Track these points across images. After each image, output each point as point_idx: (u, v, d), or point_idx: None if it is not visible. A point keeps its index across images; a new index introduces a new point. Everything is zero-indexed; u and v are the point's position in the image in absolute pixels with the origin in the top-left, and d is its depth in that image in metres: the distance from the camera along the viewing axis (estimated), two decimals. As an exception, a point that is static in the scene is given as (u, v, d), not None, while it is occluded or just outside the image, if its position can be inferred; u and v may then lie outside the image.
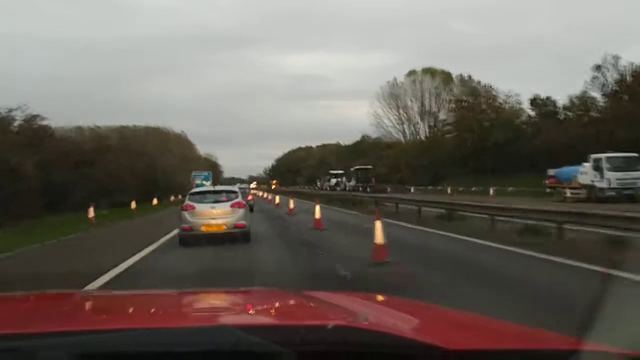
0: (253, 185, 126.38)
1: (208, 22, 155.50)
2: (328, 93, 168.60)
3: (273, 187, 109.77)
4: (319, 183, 74.64)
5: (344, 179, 61.52)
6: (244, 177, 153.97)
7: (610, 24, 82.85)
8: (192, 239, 12.52)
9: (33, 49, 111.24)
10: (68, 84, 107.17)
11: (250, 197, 26.70)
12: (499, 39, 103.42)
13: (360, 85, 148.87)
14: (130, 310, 2.09)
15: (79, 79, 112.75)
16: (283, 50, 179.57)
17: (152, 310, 2.08)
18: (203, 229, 12.65)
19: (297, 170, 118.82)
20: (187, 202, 13.29)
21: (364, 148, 78.13)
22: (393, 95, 71.20)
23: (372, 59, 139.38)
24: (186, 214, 12.88)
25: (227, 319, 1.77)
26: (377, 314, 1.88)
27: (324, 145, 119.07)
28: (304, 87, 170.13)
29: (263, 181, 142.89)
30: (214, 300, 2.39)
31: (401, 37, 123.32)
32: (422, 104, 69.22)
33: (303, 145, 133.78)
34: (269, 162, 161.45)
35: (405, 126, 71.54)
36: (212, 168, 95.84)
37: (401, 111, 71.16)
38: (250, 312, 2.05)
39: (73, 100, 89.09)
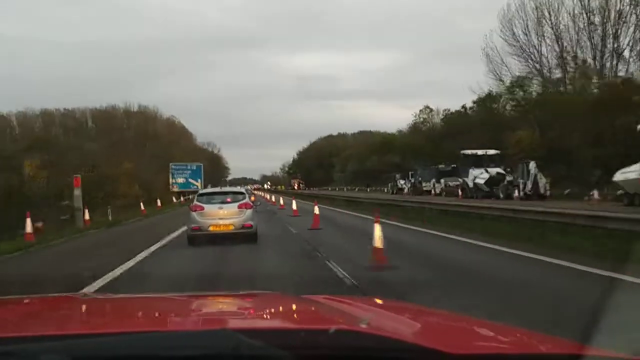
0: (266, 186, 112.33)
1: (215, 23, 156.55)
2: (340, 93, 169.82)
3: (296, 187, 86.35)
4: (404, 182, 44.68)
5: (531, 165, 26.35)
6: (256, 177, 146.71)
7: None
8: (200, 238, 12.95)
9: (34, 51, 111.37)
10: (69, 85, 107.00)
11: (252, 198, 26.96)
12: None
13: (372, 84, 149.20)
14: (131, 313, 2.08)
15: (81, 81, 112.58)
16: (291, 51, 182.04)
17: (153, 313, 2.07)
18: (211, 228, 13.07)
19: (330, 165, 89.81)
20: (196, 202, 13.69)
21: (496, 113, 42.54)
22: (532, 17, 40.40)
23: (385, 59, 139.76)
24: (195, 215, 13.31)
25: (228, 323, 1.77)
26: (378, 318, 1.87)
27: (360, 132, 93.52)
28: (314, 87, 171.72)
29: (280, 181, 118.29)
30: (215, 303, 2.39)
31: (410, 36, 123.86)
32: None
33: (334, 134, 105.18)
34: (280, 163, 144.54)
35: (551, 69, 40.24)
36: (213, 161, 78.39)
37: (544, 42, 39.89)
38: (252, 315, 2.05)
39: (73, 103, 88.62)
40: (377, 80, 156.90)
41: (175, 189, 49.47)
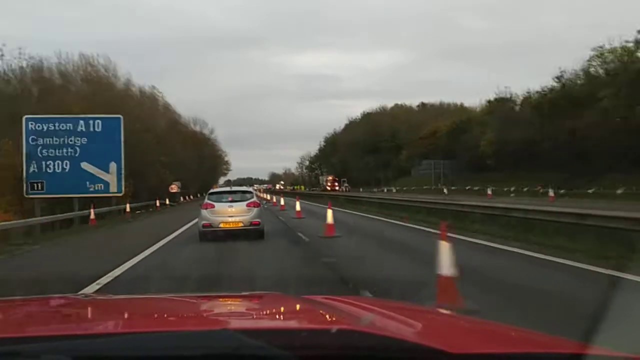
0: (279, 186, 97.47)
1: (216, 24, 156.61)
2: (343, 92, 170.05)
3: (329, 188, 63.10)
4: None
5: None
6: (264, 176, 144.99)
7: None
8: (211, 234, 13.74)
9: (35, 52, 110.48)
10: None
11: None
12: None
13: (375, 84, 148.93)
14: (132, 314, 2.08)
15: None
16: (293, 50, 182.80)
17: (154, 314, 2.07)
18: (222, 225, 13.87)
19: (389, 152, 61.12)
20: (207, 201, 14.54)
21: None
22: None
23: (388, 58, 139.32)
24: (206, 212, 14.11)
25: (230, 323, 1.76)
26: (380, 318, 1.87)
27: (424, 105, 67.79)
28: (317, 86, 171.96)
29: (298, 180, 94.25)
30: (216, 304, 2.38)
31: (412, 35, 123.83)
32: None
33: (373, 107, 75.33)
34: (285, 163, 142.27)
35: None
36: (204, 144, 57.57)
37: None
38: (253, 316, 2.05)
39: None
40: (379, 79, 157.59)
41: (39, 194, 21.16)
